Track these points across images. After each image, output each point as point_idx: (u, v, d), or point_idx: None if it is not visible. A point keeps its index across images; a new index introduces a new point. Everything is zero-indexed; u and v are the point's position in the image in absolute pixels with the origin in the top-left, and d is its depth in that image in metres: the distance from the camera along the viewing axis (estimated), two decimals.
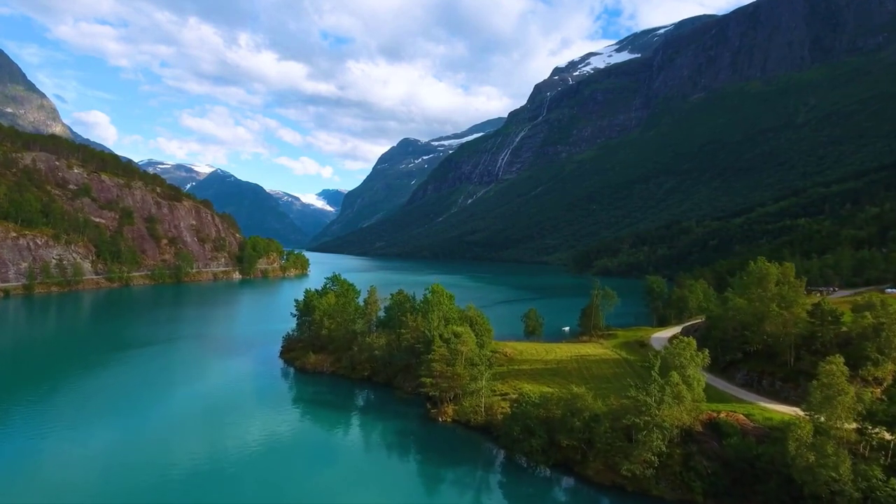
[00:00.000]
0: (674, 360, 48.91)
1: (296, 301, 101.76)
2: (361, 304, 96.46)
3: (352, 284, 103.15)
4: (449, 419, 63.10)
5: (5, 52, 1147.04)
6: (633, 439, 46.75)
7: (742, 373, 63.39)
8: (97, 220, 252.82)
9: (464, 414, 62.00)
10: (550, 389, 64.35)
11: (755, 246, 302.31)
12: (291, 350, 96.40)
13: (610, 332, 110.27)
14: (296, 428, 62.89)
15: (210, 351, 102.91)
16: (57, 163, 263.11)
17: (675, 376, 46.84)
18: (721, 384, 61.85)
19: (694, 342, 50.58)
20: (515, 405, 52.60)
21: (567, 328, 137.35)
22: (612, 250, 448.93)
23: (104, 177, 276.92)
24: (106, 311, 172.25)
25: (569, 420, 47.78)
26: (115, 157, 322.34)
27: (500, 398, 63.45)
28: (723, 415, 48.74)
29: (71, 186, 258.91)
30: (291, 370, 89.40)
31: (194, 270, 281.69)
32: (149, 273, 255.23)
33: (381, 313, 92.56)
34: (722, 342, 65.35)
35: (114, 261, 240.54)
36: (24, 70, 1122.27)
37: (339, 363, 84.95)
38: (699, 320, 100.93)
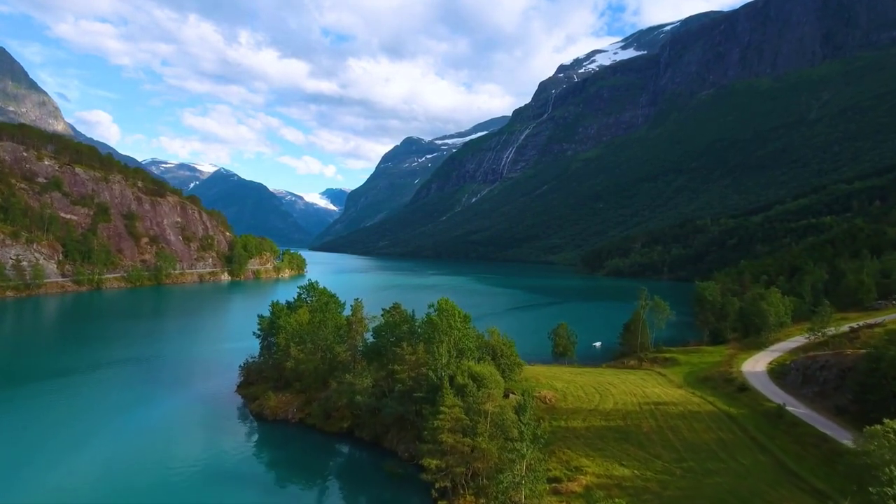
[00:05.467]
0: None
1: (259, 317, 77.24)
2: (346, 319, 73.11)
3: (333, 295, 77.31)
4: None
5: (7, 50, 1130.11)
6: None
7: None
8: (67, 216, 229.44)
9: None
10: (627, 471, 41.15)
11: (780, 245, 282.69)
12: (251, 384, 71.89)
13: (663, 353, 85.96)
14: None
15: (147, 383, 78.06)
16: (25, 154, 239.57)
17: None
18: None
19: None
20: None
21: (598, 343, 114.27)
22: (622, 250, 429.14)
23: (78, 169, 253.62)
24: (43, 322, 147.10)
25: None
26: (92, 149, 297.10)
27: (547, 489, 39.54)
28: None
29: (39, 179, 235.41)
30: (249, 413, 65.90)
31: (178, 272, 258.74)
32: (124, 275, 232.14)
33: (370, 335, 67.90)
34: None
35: (84, 261, 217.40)
36: (26, 69, 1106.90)
37: (310, 408, 60.71)
38: (798, 340, 76.18)
